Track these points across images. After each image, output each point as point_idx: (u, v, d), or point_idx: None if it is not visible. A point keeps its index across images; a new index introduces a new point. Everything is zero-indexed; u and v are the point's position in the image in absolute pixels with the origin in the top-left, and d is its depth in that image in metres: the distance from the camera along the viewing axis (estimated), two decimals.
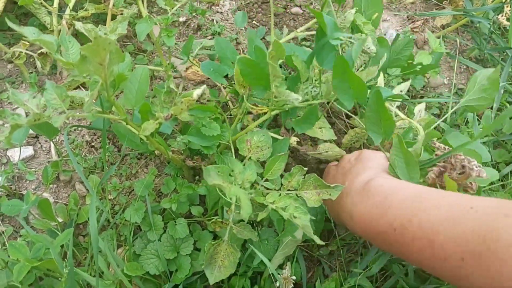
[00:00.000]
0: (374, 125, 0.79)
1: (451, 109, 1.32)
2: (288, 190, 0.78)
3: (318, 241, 0.70)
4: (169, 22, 0.97)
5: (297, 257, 0.98)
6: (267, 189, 0.80)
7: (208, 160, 1.07)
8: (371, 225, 0.68)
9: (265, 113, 0.85)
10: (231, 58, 1.02)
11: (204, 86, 0.68)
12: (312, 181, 0.76)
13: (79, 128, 1.15)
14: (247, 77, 0.81)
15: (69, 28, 1.25)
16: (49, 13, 1.25)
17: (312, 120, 0.87)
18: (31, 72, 1.24)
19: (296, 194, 0.77)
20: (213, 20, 1.42)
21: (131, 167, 1.12)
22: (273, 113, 0.84)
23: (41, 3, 1.23)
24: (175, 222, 0.96)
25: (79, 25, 0.66)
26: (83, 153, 1.12)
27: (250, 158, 0.82)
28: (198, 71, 1.25)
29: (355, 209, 0.73)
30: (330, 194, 0.74)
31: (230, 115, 1.20)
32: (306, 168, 0.79)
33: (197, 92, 0.67)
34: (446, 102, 1.33)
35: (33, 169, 1.10)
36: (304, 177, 0.77)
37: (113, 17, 1.31)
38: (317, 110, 0.87)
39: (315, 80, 0.85)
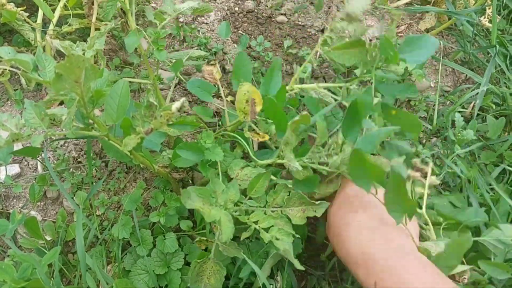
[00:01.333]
0: (395, 205, 0.68)
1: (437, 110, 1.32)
2: (273, 207, 0.78)
3: (298, 266, 0.70)
4: (160, 36, 0.96)
5: (287, 269, 0.97)
6: (252, 206, 0.79)
7: (196, 172, 1.06)
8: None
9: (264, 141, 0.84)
10: (243, 75, 0.99)
11: (183, 98, 0.68)
12: (297, 198, 0.77)
13: (66, 144, 1.15)
14: (270, 117, 0.82)
15: (53, 43, 1.25)
16: (33, 29, 1.25)
17: (311, 187, 0.81)
18: (16, 89, 1.23)
19: (281, 211, 0.77)
20: (198, 30, 1.42)
21: (119, 181, 1.11)
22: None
23: (24, 19, 1.22)
24: (164, 236, 0.95)
25: (56, 43, 0.66)
26: (71, 169, 1.11)
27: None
28: (212, 71, 1.20)
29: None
30: (315, 211, 0.75)
31: (219, 125, 1.20)
32: (290, 186, 0.79)
33: (175, 105, 0.67)
34: (434, 105, 1.33)
35: (20, 185, 1.08)
36: (289, 195, 0.77)
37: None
38: (318, 179, 0.81)
39: (332, 149, 0.80)
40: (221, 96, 1.13)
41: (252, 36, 1.44)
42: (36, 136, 0.63)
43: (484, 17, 1.29)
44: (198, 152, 0.82)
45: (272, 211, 0.78)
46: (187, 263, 0.95)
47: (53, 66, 0.65)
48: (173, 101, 1.32)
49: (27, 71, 0.60)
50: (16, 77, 1.27)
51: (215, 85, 1.00)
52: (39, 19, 1.23)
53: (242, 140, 0.81)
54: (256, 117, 0.79)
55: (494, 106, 1.25)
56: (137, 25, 1.47)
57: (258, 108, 0.78)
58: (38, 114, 0.66)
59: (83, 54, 0.75)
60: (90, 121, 0.73)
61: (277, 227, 0.73)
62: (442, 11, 1.30)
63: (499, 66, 1.28)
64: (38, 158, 1.10)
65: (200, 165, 0.83)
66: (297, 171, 0.76)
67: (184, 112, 0.74)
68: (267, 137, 0.81)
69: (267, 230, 0.74)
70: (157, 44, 0.88)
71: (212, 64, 1.11)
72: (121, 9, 1.33)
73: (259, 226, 0.74)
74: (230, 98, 1.12)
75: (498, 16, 1.34)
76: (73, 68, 0.54)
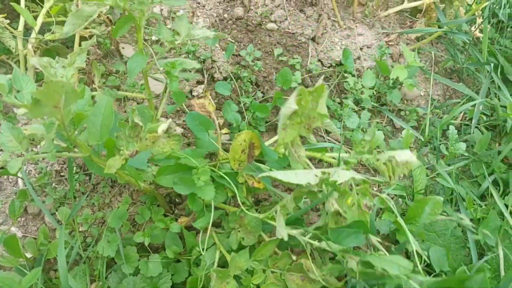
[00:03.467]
0: None
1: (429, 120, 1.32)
2: (273, 269, 0.83)
3: None
4: (176, 68, 0.92)
5: None
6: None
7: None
8: None
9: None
10: None
11: (170, 120, 0.65)
12: (298, 267, 0.81)
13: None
14: None
15: (35, 52, 1.21)
16: (14, 36, 1.21)
17: None
18: None
19: (280, 275, 0.81)
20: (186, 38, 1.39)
21: (103, 196, 1.08)
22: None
23: (5, 26, 1.18)
24: (148, 258, 0.92)
25: (34, 61, 0.62)
26: (53, 184, 1.07)
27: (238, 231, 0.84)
28: (204, 104, 1.18)
29: None
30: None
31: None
32: (294, 257, 0.83)
33: (162, 128, 0.64)
34: (423, 115, 1.32)
35: (0, 200, 1.04)
36: (291, 265, 0.82)
37: (82, 38, 1.27)
38: None
39: None
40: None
41: (242, 44, 1.41)
42: (13, 161, 0.60)
43: (475, 27, 1.28)
44: (190, 184, 0.79)
45: (272, 272, 0.83)
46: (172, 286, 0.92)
47: (32, 88, 0.61)
48: (165, 111, 1.28)
49: (2, 94, 0.57)
50: None
51: (210, 117, 0.95)
52: (21, 27, 1.19)
53: (233, 185, 0.79)
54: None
55: (484, 117, 1.25)
56: (124, 36, 1.44)
57: (257, 152, 0.76)
58: (16, 136, 0.63)
59: (64, 70, 0.71)
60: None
61: None
62: (434, 30, 1.29)
63: (491, 77, 1.27)
64: (18, 175, 1.06)
65: (189, 198, 0.80)
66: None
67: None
68: (262, 185, 0.79)
69: None
70: (171, 75, 0.84)
71: (202, 97, 1.07)
72: (107, 17, 1.29)
73: None
74: (225, 130, 1.10)
75: (488, 26, 1.33)
76: (52, 94, 0.51)
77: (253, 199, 1.05)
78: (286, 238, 0.70)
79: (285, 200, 0.73)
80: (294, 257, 0.82)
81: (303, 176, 0.66)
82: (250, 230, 0.81)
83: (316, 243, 0.74)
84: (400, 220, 0.82)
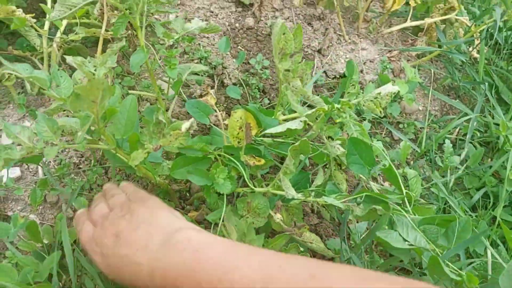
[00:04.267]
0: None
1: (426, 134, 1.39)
2: None
3: None
4: (173, 55, 0.99)
5: None
6: None
7: (193, 183, 1.10)
8: (177, 284, 0.61)
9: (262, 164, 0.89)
10: None
11: (192, 119, 0.72)
12: (295, 248, 0.88)
13: (66, 150, 1.18)
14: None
15: (58, 51, 1.28)
16: (39, 35, 1.28)
17: None
18: (19, 93, 1.26)
19: None
20: (199, 44, 1.47)
21: None
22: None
23: (31, 25, 1.25)
24: None
25: (69, 59, 0.70)
26: (71, 175, 1.14)
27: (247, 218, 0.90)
28: (207, 99, 1.25)
29: (157, 266, 0.64)
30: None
31: None
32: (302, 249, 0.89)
33: (185, 125, 0.71)
34: (421, 128, 1.40)
35: (22, 188, 1.11)
36: (287, 246, 0.88)
37: (104, 41, 1.34)
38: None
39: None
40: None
41: (251, 52, 1.49)
42: (49, 149, 0.67)
43: (473, 48, 1.36)
44: (205, 176, 0.85)
45: None
46: None
47: (69, 83, 0.68)
48: (176, 113, 1.35)
49: (44, 88, 0.64)
50: (19, 80, 1.30)
51: (212, 108, 1.03)
52: (46, 26, 1.26)
53: (239, 165, 0.85)
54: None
55: (478, 134, 1.32)
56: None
57: (254, 132, 0.83)
58: (51, 127, 0.69)
59: (95, 70, 0.78)
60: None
61: None
62: (434, 49, 1.37)
63: (485, 95, 1.35)
64: (40, 164, 1.13)
65: (205, 191, 0.87)
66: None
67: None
68: (263, 161, 0.85)
69: None
70: (170, 63, 0.91)
71: (205, 94, 1.16)
72: (128, 21, 1.37)
73: None
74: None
75: (486, 47, 1.41)
76: (93, 90, 0.58)
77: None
78: (295, 196, 0.78)
79: (285, 163, 0.78)
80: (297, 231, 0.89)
81: (290, 124, 0.77)
82: (259, 212, 0.87)
83: (321, 200, 0.80)
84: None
